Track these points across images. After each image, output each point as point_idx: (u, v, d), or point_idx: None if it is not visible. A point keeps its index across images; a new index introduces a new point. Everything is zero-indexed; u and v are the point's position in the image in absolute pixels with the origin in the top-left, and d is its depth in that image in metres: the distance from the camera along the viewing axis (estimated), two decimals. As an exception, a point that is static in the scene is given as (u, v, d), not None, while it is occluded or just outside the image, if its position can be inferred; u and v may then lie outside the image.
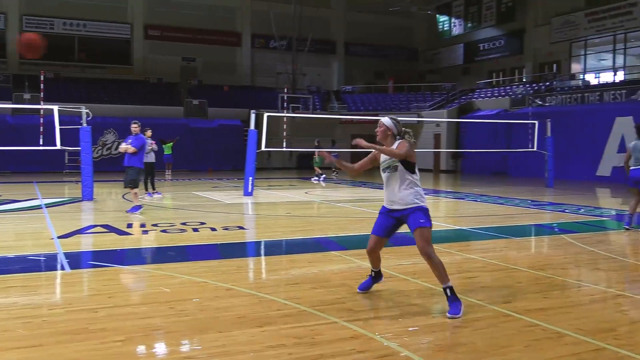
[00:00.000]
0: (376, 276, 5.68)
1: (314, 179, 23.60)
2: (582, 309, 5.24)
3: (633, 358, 3.96)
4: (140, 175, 12.33)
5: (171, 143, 25.48)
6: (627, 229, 10.04)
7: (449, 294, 4.92)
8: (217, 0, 38.47)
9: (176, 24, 37.35)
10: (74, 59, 36.07)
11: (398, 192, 5.12)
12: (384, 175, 5.25)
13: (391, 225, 5.29)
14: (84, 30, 35.69)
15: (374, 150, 5.21)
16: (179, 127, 30.91)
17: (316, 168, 24.16)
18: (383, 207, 5.34)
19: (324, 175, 23.89)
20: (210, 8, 38.27)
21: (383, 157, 5.24)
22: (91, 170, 14.76)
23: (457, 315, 4.81)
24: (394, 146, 5.17)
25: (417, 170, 5.17)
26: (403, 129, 5.30)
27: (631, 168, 10.05)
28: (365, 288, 5.65)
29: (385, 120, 5.32)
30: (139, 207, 12.00)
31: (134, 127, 12.16)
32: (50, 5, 34.66)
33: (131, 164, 12.00)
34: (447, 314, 4.82)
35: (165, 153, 25.09)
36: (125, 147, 11.94)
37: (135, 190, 12.14)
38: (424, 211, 5.07)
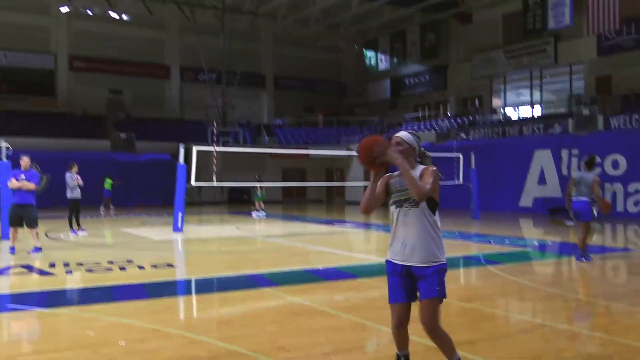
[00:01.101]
0: None
1: (255, 214, 23.19)
2: (508, 340, 5.38)
3: (557, 387, 4.09)
4: (37, 212, 11.31)
5: (112, 181, 25.05)
6: (581, 261, 9.81)
7: None
8: (145, 33, 38.02)
9: (103, 55, 36.61)
10: (-7, 89, 34.76)
11: (415, 239, 3.75)
12: (396, 211, 3.83)
13: (410, 285, 3.85)
14: (4, 60, 34.43)
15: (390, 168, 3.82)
16: (106, 161, 30.15)
17: (257, 202, 23.69)
18: (389, 262, 3.90)
19: (263, 213, 23.33)
20: (138, 40, 37.79)
21: (397, 184, 3.82)
22: (11, 207, 14.11)
23: None
24: (416, 173, 3.73)
25: (437, 211, 3.81)
26: (423, 150, 3.97)
27: (573, 199, 9.85)
28: None
29: (405, 135, 3.87)
30: (39, 248, 11.24)
31: (25, 161, 11.23)
32: (-31, 35, 33.46)
33: (28, 202, 11.11)
34: None
35: (105, 188, 24.61)
36: (20, 184, 10.94)
37: (37, 229, 11.31)
38: (442, 274, 3.79)
